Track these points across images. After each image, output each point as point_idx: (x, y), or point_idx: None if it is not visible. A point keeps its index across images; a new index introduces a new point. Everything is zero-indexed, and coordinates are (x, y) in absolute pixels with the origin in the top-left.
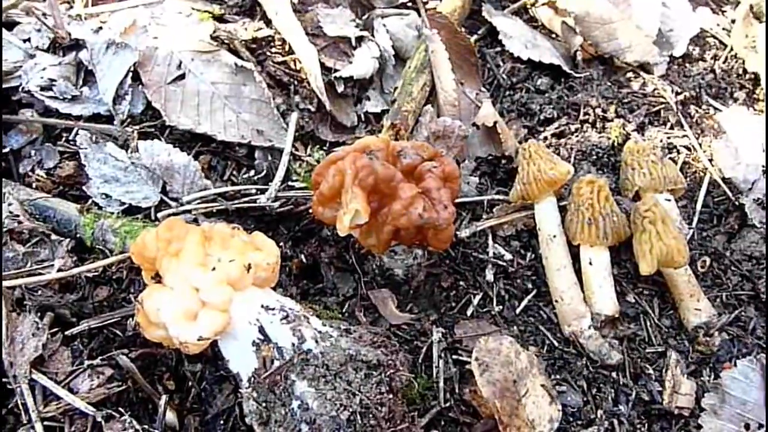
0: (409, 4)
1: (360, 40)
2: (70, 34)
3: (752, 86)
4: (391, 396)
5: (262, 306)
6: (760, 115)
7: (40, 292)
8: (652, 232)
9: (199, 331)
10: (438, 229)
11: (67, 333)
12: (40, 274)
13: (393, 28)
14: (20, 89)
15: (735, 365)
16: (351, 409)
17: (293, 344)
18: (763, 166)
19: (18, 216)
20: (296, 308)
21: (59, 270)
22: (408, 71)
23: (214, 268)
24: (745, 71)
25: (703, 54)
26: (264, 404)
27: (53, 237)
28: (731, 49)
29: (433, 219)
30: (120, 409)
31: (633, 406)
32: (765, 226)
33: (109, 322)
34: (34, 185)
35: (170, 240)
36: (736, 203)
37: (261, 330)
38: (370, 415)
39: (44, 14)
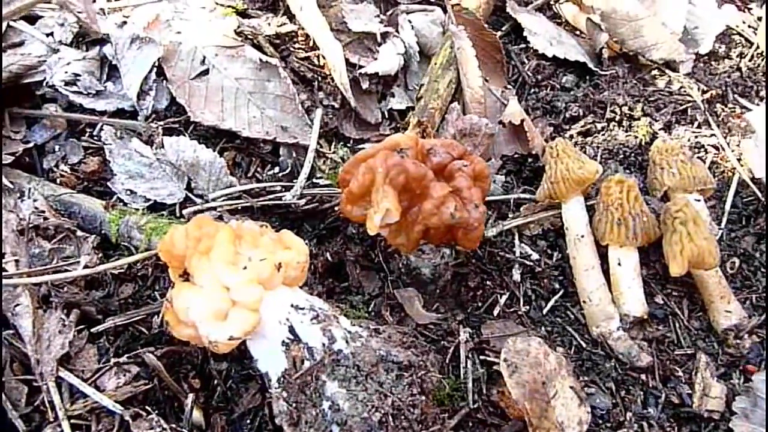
0: (434, 0)
1: (385, 36)
2: (99, 29)
3: None
4: (423, 398)
5: (292, 305)
6: None
7: (66, 288)
8: (683, 232)
9: (229, 331)
10: (469, 228)
11: (93, 330)
12: (66, 270)
13: (418, 24)
14: (44, 84)
15: (766, 368)
16: (383, 411)
17: (324, 344)
18: None
19: (43, 212)
20: (325, 308)
21: (85, 267)
22: (434, 68)
23: (245, 267)
24: None
25: (729, 52)
26: (294, 405)
27: (78, 233)
28: (757, 47)
29: (465, 218)
30: (146, 407)
31: (662, 409)
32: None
33: (134, 319)
34: (58, 181)
35: (200, 238)
36: (766, 203)
37: (291, 330)
38: (402, 417)
39: (74, 8)
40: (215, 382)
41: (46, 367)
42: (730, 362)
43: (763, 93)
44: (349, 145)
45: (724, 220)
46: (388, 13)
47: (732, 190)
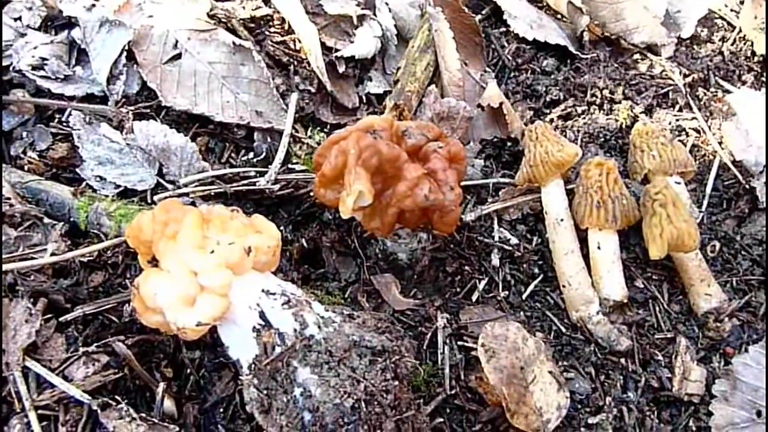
0: None
1: (361, 18)
2: (69, 17)
3: (761, 68)
4: (396, 383)
5: (263, 290)
6: None
7: (32, 277)
8: (663, 215)
9: (197, 317)
10: (444, 211)
11: (61, 319)
12: (33, 258)
13: (395, 7)
14: (11, 68)
15: (746, 351)
16: (355, 397)
17: (295, 330)
18: None
19: (9, 199)
20: (298, 293)
21: (52, 254)
22: (411, 51)
23: (212, 251)
24: (753, 53)
25: (711, 36)
26: (265, 392)
27: (46, 220)
28: (740, 31)
29: (440, 200)
30: (116, 397)
31: (642, 393)
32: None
33: (104, 307)
34: (26, 167)
35: (167, 222)
36: (747, 186)
37: (262, 315)
38: (375, 403)
39: None
40: (187, 370)
41: (12, 357)
42: (710, 346)
43: (745, 77)
44: (325, 130)
45: (705, 203)
46: None
47: (713, 173)
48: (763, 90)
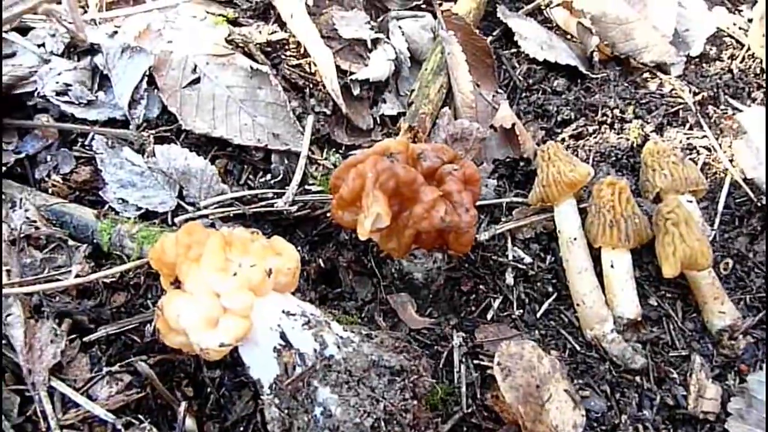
0: (424, 5)
1: (375, 42)
2: (92, 44)
3: (767, 84)
4: (415, 402)
5: (283, 311)
6: None
7: (57, 298)
8: (676, 234)
9: (220, 338)
10: (459, 232)
11: (85, 339)
12: (58, 280)
13: (408, 30)
14: (35, 94)
15: (761, 368)
16: (375, 416)
17: (315, 350)
18: None
19: (35, 222)
20: (317, 313)
21: (77, 276)
22: (424, 73)
23: (235, 274)
24: (762, 70)
25: (720, 54)
26: (286, 411)
27: (70, 243)
28: (748, 49)
29: (455, 222)
30: (139, 416)
31: (657, 411)
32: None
33: (126, 328)
34: (50, 190)
35: (190, 245)
36: (759, 204)
37: (282, 336)
38: (395, 422)
39: (62, 18)
40: (208, 389)
41: (38, 377)
42: (725, 363)
43: (754, 94)
44: (341, 151)
45: (717, 221)
46: (379, 20)
47: (724, 191)
48: None
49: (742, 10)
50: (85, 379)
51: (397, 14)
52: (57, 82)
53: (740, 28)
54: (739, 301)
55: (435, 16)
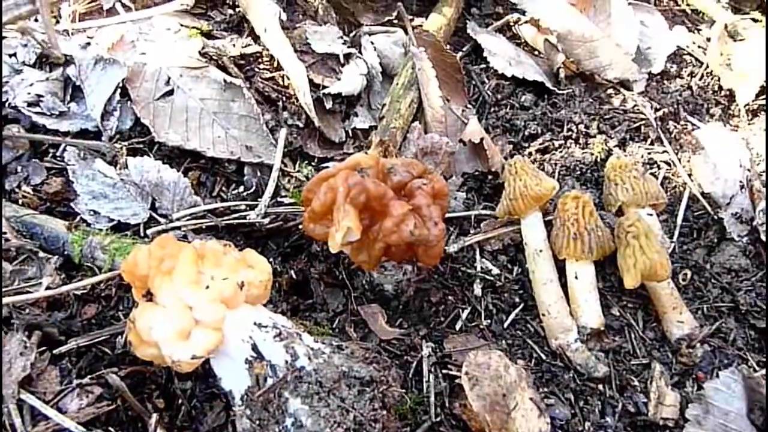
0: (396, 21)
1: (348, 57)
2: (65, 55)
3: (727, 102)
4: (384, 412)
5: (255, 323)
6: (736, 131)
7: (27, 310)
8: (636, 246)
9: (192, 350)
10: (428, 245)
11: (55, 351)
12: (28, 292)
13: (380, 46)
14: (6, 104)
15: (717, 376)
16: (345, 426)
17: (286, 361)
18: (740, 182)
19: (5, 233)
20: (288, 325)
21: (47, 288)
22: (396, 88)
23: (207, 287)
24: (720, 88)
25: (680, 71)
26: (258, 422)
27: (41, 254)
28: (707, 67)
29: (424, 236)
30: (110, 428)
31: (619, 418)
32: (747, 239)
33: (97, 340)
34: (20, 202)
35: (163, 258)
36: (715, 217)
37: (254, 347)
38: None
39: (37, 34)
40: (179, 401)
41: (7, 390)
42: (683, 371)
43: (713, 111)
44: (313, 163)
45: (676, 233)
46: (351, 35)
47: (683, 204)
48: (728, 124)
49: (701, 29)
50: (55, 392)
51: (370, 30)
52: (29, 93)
53: (699, 47)
54: (697, 310)
55: (406, 32)
